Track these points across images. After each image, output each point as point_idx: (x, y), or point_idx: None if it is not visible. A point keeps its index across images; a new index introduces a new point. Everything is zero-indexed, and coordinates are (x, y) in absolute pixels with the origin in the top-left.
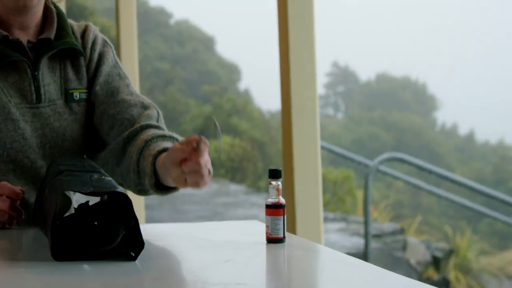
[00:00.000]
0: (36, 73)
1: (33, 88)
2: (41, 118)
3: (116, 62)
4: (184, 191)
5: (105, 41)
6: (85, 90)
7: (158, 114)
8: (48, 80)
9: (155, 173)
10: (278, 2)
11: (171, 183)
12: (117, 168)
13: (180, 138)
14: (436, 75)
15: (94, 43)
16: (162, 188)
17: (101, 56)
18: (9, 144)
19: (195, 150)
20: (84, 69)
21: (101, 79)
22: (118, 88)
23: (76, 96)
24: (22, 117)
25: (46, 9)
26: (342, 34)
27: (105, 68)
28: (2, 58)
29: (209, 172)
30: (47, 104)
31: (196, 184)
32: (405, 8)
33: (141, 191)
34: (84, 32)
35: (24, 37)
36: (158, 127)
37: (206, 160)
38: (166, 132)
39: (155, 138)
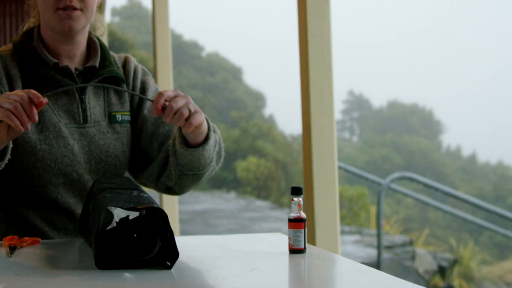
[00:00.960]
0: (83, 97)
1: (80, 110)
2: (88, 137)
3: (156, 88)
4: (215, 207)
5: (144, 70)
6: (128, 113)
7: None
8: (94, 103)
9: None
10: (300, 39)
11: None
12: (164, 172)
13: (217, 130)
14: (442, 102)
15: (135, 72)
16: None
17: (143, 83)
18: (60, 159)
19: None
20: (126, 95)
21: (147, 104)
22: None
23: (118, 118)
24: (71, 135)
25: (90, 41)
26: (357, 67)
27: (150, 94)
28: (53, 83)
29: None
30: (92, 125)
31: (180, 119)
32: (413, 42)
33: (181, 175)
34: (125, 62)
35: (71, 64)
36: None
37: (169, 97)
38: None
39: None
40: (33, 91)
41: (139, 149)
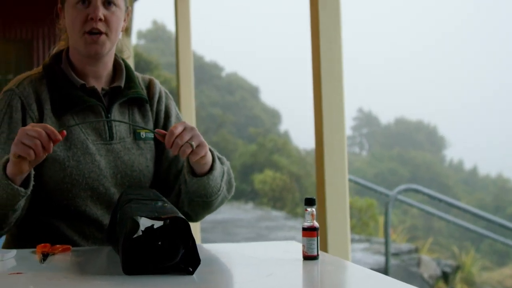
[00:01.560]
0: (109, 115)
1: (106, 127)
2: (113, 153)
3: (177, 112)
4: (234, 217)
5: (167, 94)
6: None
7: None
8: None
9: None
10: (313, 60)
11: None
12: (179, 199)
13: (226, 162)
14: (445, 119)
15: (160, 96)
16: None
17: (167, 108)
18: (87, 174)
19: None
20: (149, 114)
21: (169, 126)
22: None
23: (142, 135)
24: (97, 151)
25: (116, 63)
26: (367, 86)
27: (172, 119)
28: (81, 103)
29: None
30: (118, 141)
31: (184, 154)
32: (419, 62)
33: (191, 202)
34: (150, 85)
35: (98, 85)
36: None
37: (178, 131)
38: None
39: None
40: (49, 127)
41: (159, 174)
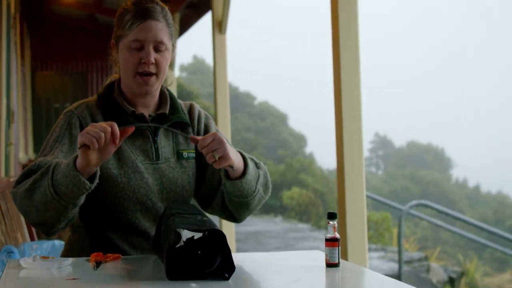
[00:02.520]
0: (155, 138)
1: (153, 149)
2: (159, 171)
3: (216, 129)
4: (265, 229)
5: (206, 115)
6: (193, 151)
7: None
8: (164, 143)
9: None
10: (335, 91)
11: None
12: (225, 189)
13: (262, 166)
14: (451, 142)
15: (199, 117)
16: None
17: (206, 126)
18: (137, 190)
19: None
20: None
21: None
22: None
23: (185, 155)
24: (146, 170)
25: (162, 92)
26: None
27: None
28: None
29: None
30: (163, 161)
31: (209, 161)
32: (427, 93)
33: (230, 201)
34: (190, 109)
35: (146, 112)
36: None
37: (206, 143)
38: (252, 157)
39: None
40: (115, 124)
41: (205, 181)
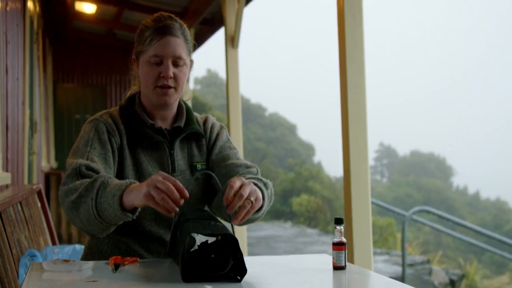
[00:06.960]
0: (172, 152)
1: (170, 161)
2: None
3: (228, 138)
4: (275, 234)
5: (221, 125)
6: (204, 162)
7: (257, 171)
8: (180, 156)
9: None
10: (341, 103)
11: None
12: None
13: (269, 184)
14: (452, 151)
15: (212, 128)
16: None
17: (217, 135)
18: None
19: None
20: (205, 147)
21: (216, 150)
22: (229, 155)
23: (198, 167)
24: None
25: (179, 105)
26: (387, 124)
27: (220, 143)
28: (150, 139)
29: (248, 202)
30: (179, 174)
31: (244, 209)
32: (430, 103)
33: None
34: (205, 121)
35: (164, 125)
36: (255, 177)
37: (236, 187)
38: (258, 177)
39: (247, 175)
40: (178, 183)
41: (209, 187)
